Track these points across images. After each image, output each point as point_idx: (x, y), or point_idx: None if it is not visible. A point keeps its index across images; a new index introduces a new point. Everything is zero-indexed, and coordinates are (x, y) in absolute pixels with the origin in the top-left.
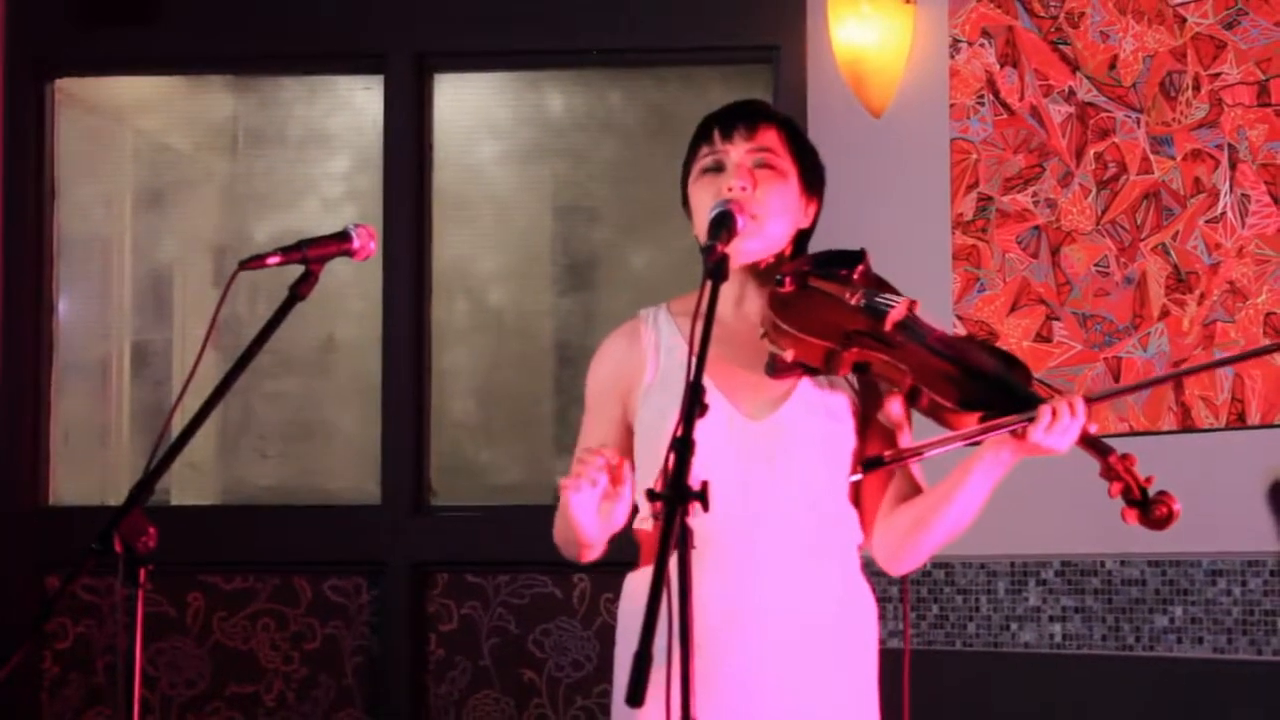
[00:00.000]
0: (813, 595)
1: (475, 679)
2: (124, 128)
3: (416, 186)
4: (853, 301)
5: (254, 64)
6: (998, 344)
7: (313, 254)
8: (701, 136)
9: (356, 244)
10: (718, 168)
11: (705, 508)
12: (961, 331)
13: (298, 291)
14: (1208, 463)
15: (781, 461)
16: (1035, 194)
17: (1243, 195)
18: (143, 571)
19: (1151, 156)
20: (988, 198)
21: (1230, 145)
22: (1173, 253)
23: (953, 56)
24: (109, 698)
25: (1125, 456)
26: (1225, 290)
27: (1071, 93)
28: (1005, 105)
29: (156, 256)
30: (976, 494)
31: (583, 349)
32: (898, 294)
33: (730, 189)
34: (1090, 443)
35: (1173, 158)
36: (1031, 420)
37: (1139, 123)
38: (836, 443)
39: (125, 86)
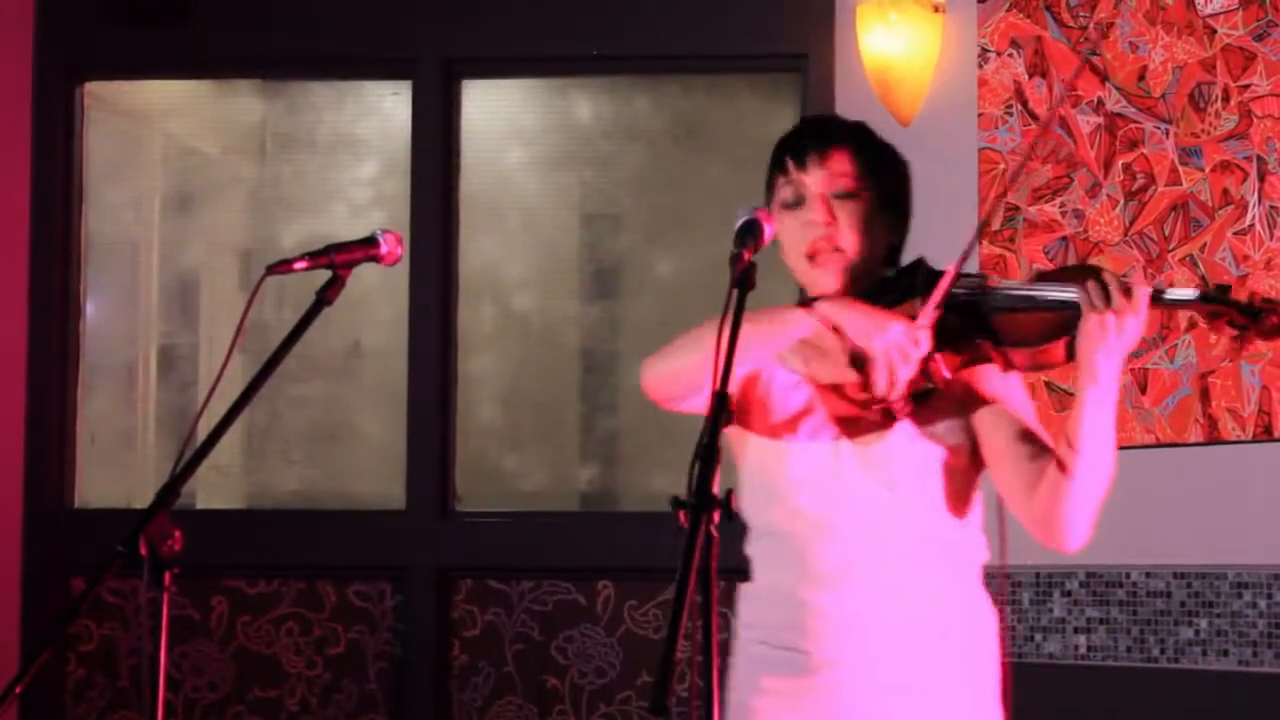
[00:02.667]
0: (929, 610)
1: (498, 685)
2: (152, 131)
3: (444, 192)
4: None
5: (283, 68)
6: None
7: (340, 259)
8: (776, 165)
9: (384, 249)
10: (797, 202)
11: (729, 516)
12: None
13: (325, 296)
14: (1234, 475)
15: (887, 484)
16: (1063, 204)
17: (1271, 207)
18: (168, 575)
19: (1180, 168)
20: (1015, 208)
21: (1259, 157)
22: (1201, 264)
23: (981, 66)
24: (133, 701)
25: (1219, 289)
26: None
27: (1100, 103)
28: (1034, 115)
29: (184, 260)
30: (1093, 418)
31: (608, 355)
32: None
33: (811, 223)
34: (1169, 303)
35: (1201, 169)
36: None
37: (1168, 134)
38: (945, 460)
39: (154, 90)
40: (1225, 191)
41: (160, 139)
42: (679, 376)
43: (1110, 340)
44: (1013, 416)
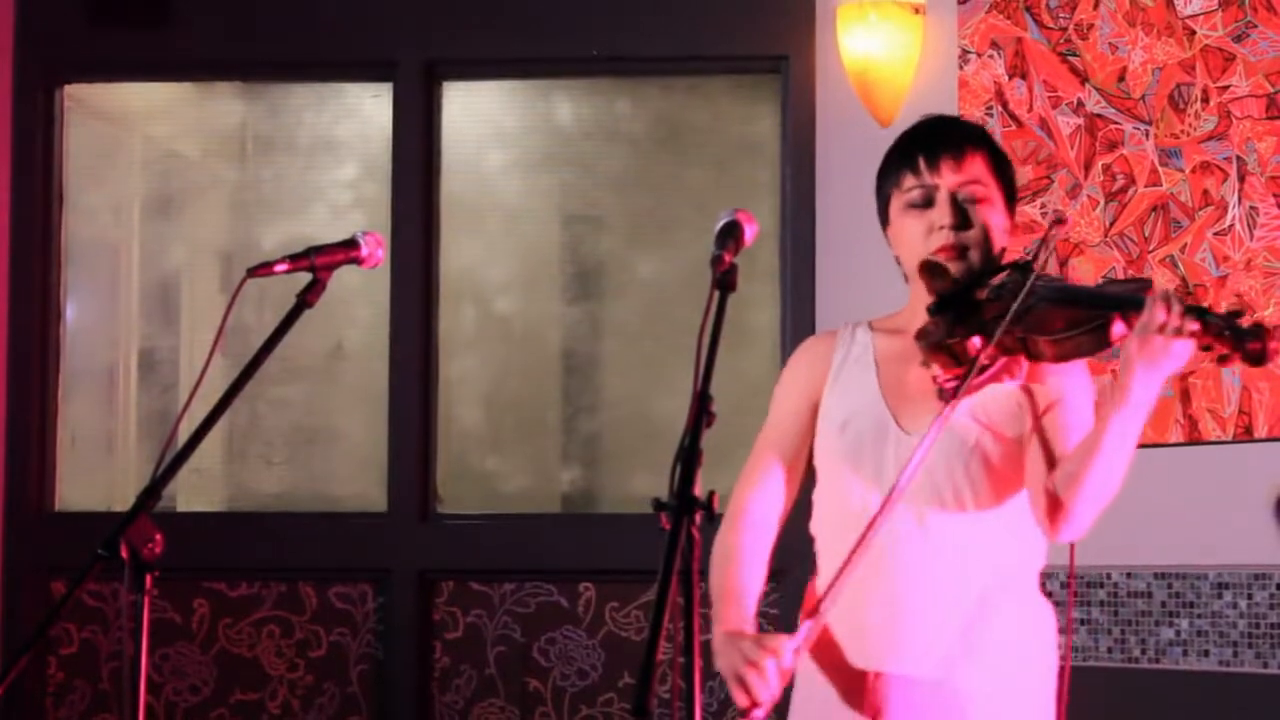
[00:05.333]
0: (969, 604)
1: (480, 687)
2: (132, 134)
3: (425, 194)
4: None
5: (263, 71)
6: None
7: (321, 261)
8: (905, 162)
9: (364, 252)
10: (926, 203)
11: (710, 518)
12: None
13: (305, 299)
14: (1214, 475)
15: (926, 475)
16: (1044, 206)
17: (1251, 208)
18: (149, 577)
19: (1160, 169)
20: None
21: (1239, 158)
22: (1181, 265)
23: (961, 67)
24: (114, 704)
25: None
26: (1233, 303)
27: (1080, 104)
28: (1014, 117)
29: (164, 263)
30: (1113, 441)
31: (590, 357)
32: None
33: (939, 227)
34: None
35: (1181, 170)
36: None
37: (1148, 135)
38: (992, 452)
39: (134, 93)
40: (1205, 192)
41: (140, 141)
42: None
43: (1153, 358)
44: (1058, 405)
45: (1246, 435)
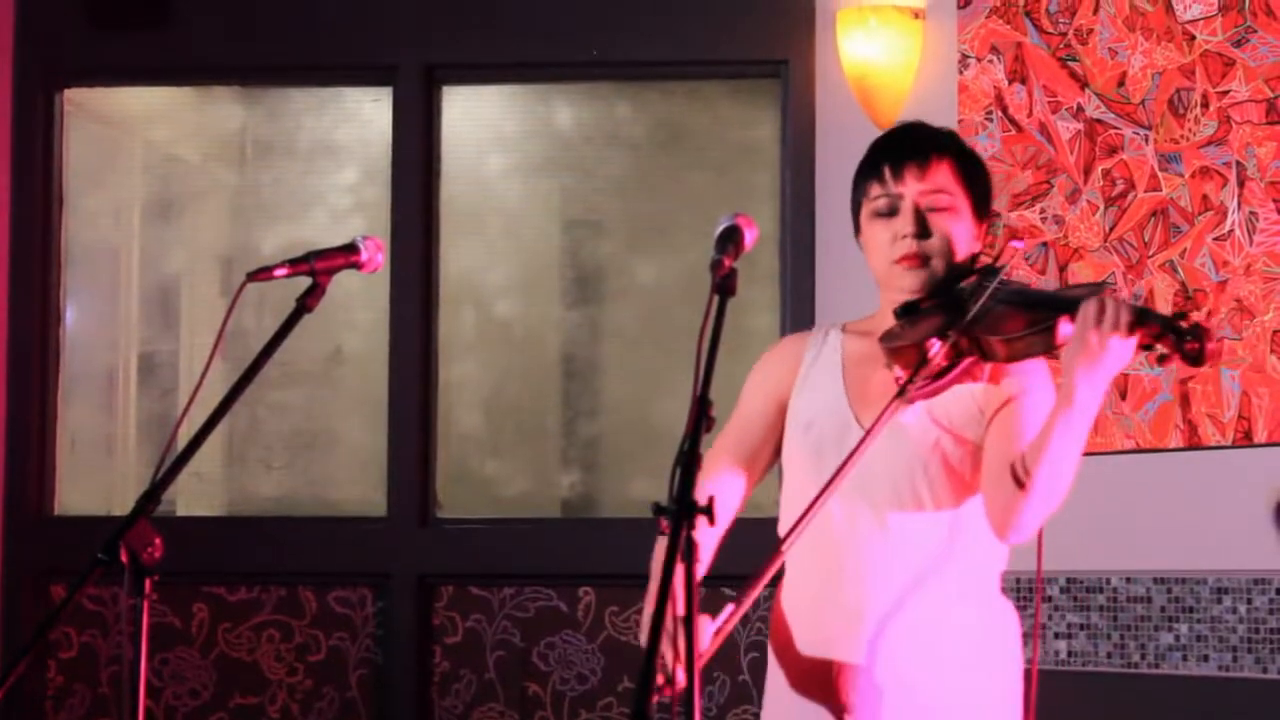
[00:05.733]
0: (929, 604)
1: (480, 692)
2: (132, 138)
3: (424, 199)
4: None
5: (263, 75)
6: None
7: (320, 266)
8: (871, 172)
9: (364, 256)
10: (891, 212)
11: (711, 522)
12: None
13: (305, 303)
14: (1214, 480)
15: (885, 476)
16: (1043, 210)
17: (1251, 213)
18: (148, 582)
19: (1160, 174)
20: (995, 214)
21: (1238, 163)
22: (1180, 270)
23: (961, 72)
24: (113, 708)
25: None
26: (1233, 308)
27: (1080, 109)
28: (1013, 121)
29: (164, 267)
30: (1059, 443)
31: (589, 362)
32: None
33: (903, 235)
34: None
35: (1181, 175)
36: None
37: (1147, 140)
38: (952, 454)
39: (134, 97)
40: (1205, 197)
41: (140, 145)
42: None
43: (1092, 358)
44: (1011, 406)
45: (1246, 440)
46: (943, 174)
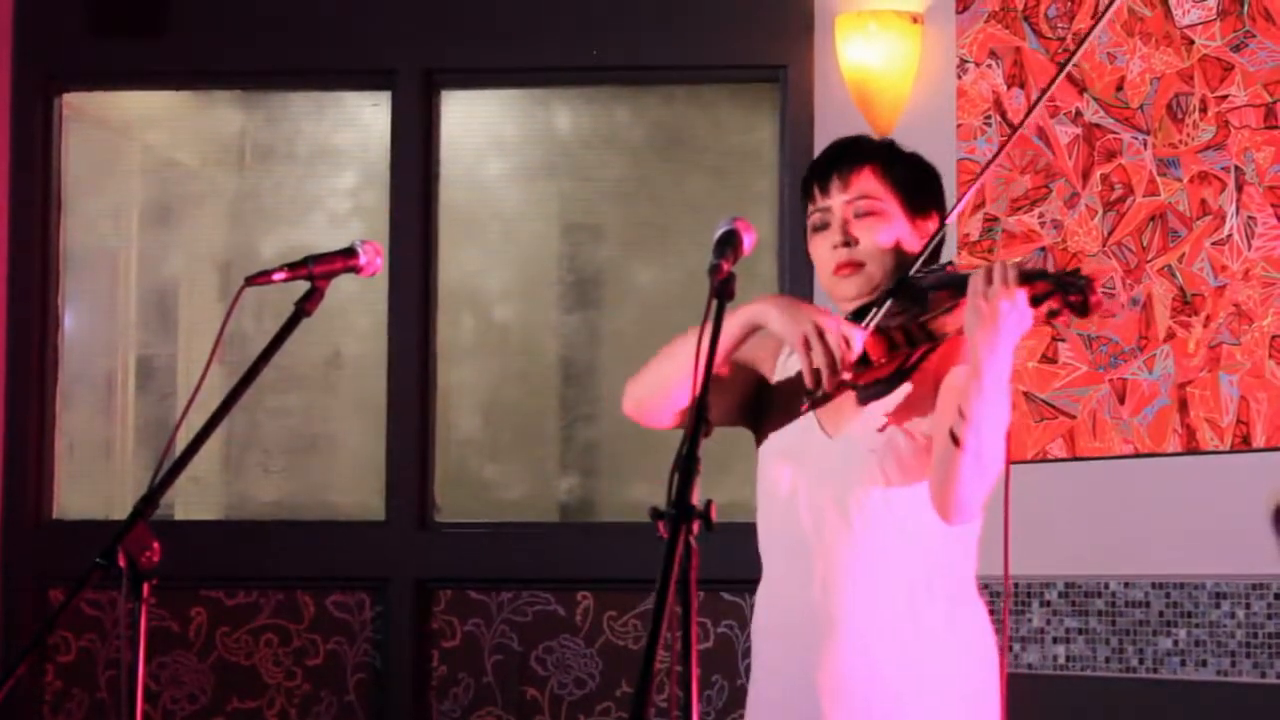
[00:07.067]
0: (898, 600)
1: (478, 696)
2: (131, 142)
3: (423, 203)
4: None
5: (262, 79)
6: None
7: (319, 270)
8: (806, 190)
9: (363, 260)
10: (824, 225)
11: (709, 527)
12: None
13: (303, 307)
14: (1212, 485)
15: (846, 474)
16: (1042, 215)
17: (1249, 218)
18: (146, 586)
19: (1158, 178)
20: (994, 218)
21: (1237, 168)
22: (1179, 275)
23: (960, 77)
24: (111, 712)
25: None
26: (1231, 313)
27: (1079, 114)
28: (1012, 126)
29: (162, 271)
30: (977, 407)
31: (588, 365)
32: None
33: (835, 246)
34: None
35: (1179, 180)
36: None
37: (1146, 144)
38: (905, 449)
39: (133, 101)
40: (1203, 202)
41: (139, 150)
42: (654, 390)
43: (985, 318)
44: (949, 390)
45: (1244, 445)
46: (866, 180)
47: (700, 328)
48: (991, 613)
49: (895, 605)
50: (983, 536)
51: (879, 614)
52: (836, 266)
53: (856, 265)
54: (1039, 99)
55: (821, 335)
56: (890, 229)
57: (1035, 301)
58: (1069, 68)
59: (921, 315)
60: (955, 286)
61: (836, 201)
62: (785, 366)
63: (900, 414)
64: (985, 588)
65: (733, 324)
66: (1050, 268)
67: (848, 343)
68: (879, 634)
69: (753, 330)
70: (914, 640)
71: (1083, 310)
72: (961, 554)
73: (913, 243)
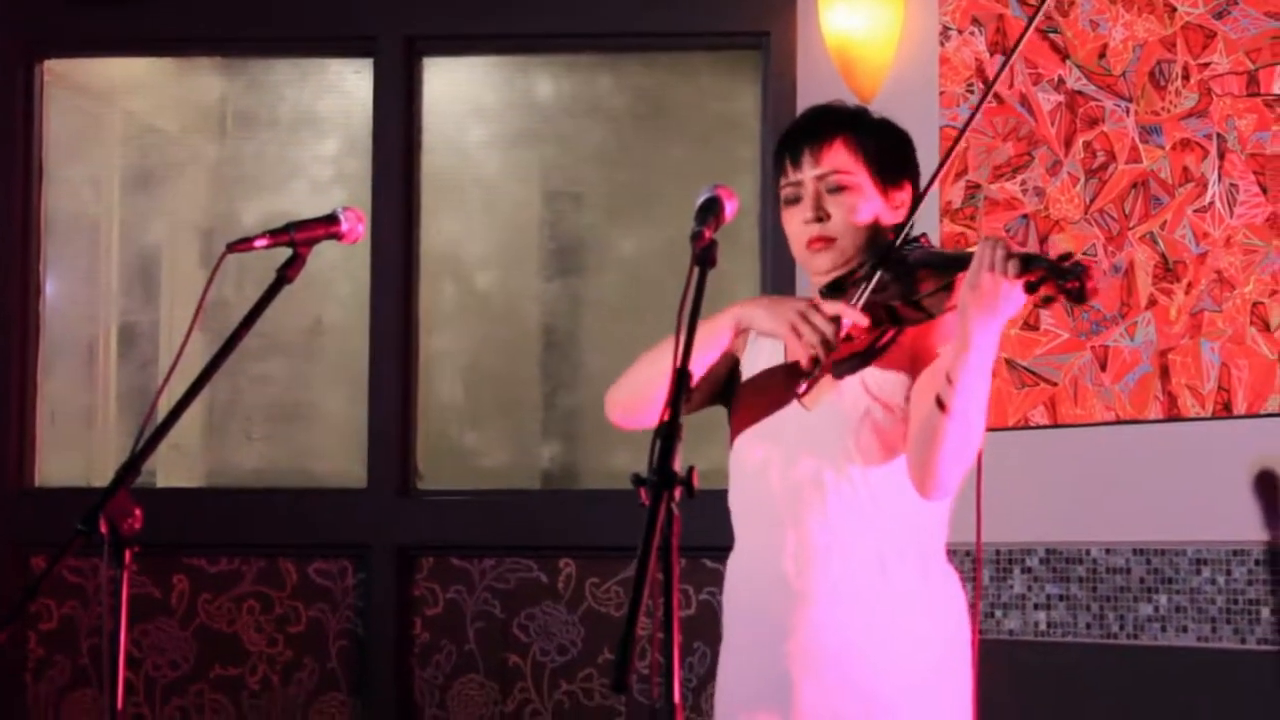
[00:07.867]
0: (871, 569)
1: (460, 663)
2: (112, 109)
3: (405, 170)
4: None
5: (243, 46)
6: None
7: (300, 237)
8: (777, 162)
9: (345, 227)
10: (795, 200)
11: (690, 493)
12: None
13: (285, 274)
14: (1193, 452)
15: (820, 445)
16: (1024, 182)
17: (1231, 185)
18: (128, 553)
19: (1140, 146)
20: (976, 185)
21: (1219, 135)
22: (1161, 242)
23: (943, 44)
24: (93, 679)
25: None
26: (1213, 280)
27: (1061, 81)
28: (995, 93)
29: (144, 238)
30: (965, 380)
31: (569, 333)
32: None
33: (806, 220)
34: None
35: (1162, 147)
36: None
37: (1128, 112)
38: (882, 421)
39: (114, 68)
40: (1185, 169)
41: (120, 116)
42: (636, 393)
43: (982, 300)
44: (928, 367)
45: (1225, 412)
46: (838, 153)
47: (682, 297)
48: (965, 578)
49: (867, 575)
50: (957, 504)
51: (850, 584)
52: (809, 241)
53: (828, 240)
54: (1010, 55)
55: (807, 317)
56: (862, 202)
57: (1031, 288)
58: (1037, 21)
59: (913, 293)
60: (943, 264)
61: (808, 175)
62: (754, 358)
63: (877, 387)
64: (968, 554)
65: (721, 324)
66: (1034, 237)
67: (836, 320)
68: (850, 604)
69: (741, 332)
70: (884, 608)
71: (1080, 297)
72: (934, 524)
73: (885, 214)
